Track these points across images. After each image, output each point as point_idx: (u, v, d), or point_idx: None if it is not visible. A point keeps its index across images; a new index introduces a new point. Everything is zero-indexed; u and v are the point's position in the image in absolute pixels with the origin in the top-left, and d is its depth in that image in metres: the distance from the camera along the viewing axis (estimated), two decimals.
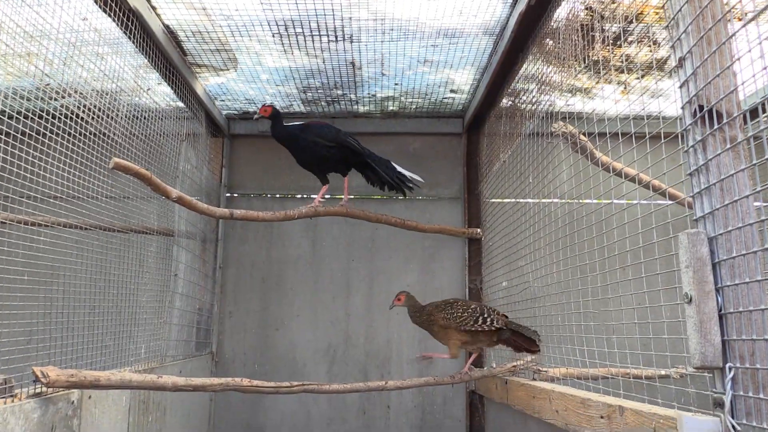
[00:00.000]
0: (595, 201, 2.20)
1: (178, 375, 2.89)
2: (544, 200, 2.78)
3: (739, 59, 1.23)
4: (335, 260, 4.39)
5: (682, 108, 1.36)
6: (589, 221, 2.23)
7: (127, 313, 2.82)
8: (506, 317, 3.01)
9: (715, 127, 1.27)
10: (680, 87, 1.36)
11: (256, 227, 4.40)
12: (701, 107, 1.29)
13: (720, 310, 1.24)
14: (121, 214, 2.78)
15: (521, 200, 3.13)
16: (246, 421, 4.22)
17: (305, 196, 4.46)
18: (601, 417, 1.91)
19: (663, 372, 2.66)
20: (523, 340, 2.84)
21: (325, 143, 3.24)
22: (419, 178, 3.41)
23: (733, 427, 1.19)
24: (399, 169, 3.38)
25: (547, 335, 2.74)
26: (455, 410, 4.19)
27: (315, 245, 4.41)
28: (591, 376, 2.28)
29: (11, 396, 1.86)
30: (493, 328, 2.86)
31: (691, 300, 1.25)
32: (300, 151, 3.33)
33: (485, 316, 2.90)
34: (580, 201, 2.33)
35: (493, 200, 3.77)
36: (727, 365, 1.22)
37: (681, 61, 1.34)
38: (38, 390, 1.98)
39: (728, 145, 1.24)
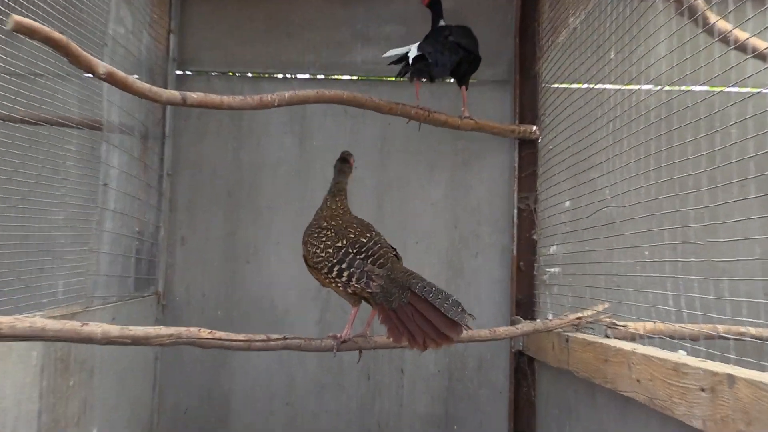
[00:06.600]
0: (705, 88, 2.16)
1: (110, 323, 2.92)
2: (630, 86, 2.74)
3: None
4: (330, 166, 4.35)
5: None
6: (696, 116, 2.19)
7: (37, 237, 2.82)
8: (398, 258, 2.69)
9: None
10: None
11: (219, 119, 4.37)
12: None
13: None
14: (28, 98, 2.74)
15: (597, 86, 3.10)
16: (205, 386, 4.31)
17: (289, 75, 4.39)
18: (702, 390, 1.91)
19: None
20: (433, 314, 2.35)
21: None
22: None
23: None
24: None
25: (628, 278, 2.74)
26: (495, 377, 4.27)
27: (303, 145, 4.38)
28: (689, 335, 2.28)
29: None
30: (348, 291, 2.56)
31: None
32: None
33: (343, 267, 2.54)
34: (683, 88, 2.30)
35: (557, 85, 3.73)
36: None
37: None
38: None
39: None
